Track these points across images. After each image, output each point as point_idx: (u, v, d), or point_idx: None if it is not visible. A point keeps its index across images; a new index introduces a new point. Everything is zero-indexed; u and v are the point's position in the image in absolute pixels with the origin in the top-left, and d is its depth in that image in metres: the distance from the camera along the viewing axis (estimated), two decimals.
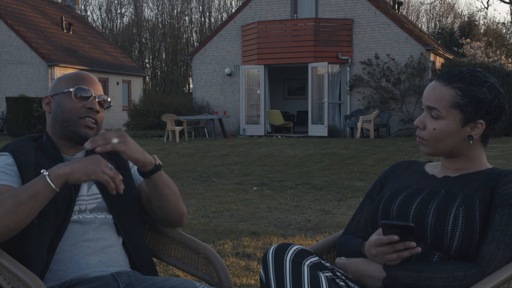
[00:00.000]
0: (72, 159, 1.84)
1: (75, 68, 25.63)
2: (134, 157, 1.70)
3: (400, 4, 23.84)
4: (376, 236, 1.60)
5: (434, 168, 1.81)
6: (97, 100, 1.85)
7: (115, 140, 1.65)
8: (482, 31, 34.27)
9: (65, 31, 28.41)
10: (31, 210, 1.57)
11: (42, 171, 1.60)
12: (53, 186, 1.57)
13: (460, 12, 48.48)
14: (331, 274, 1.58)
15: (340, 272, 1.63)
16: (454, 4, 56.44)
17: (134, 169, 1.97)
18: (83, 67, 26.21)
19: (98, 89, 1.88)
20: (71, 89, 1.83)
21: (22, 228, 1.60)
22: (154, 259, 1.96)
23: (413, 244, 1.54)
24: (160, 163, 1.81)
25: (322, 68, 18.77)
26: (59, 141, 1.85)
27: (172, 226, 1.97)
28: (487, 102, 1.65)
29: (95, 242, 1.76)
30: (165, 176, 1.84)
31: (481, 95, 1.65)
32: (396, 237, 1.53)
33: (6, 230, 1.56)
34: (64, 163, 1.63)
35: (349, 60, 19.05)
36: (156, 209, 1.87)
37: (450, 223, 1.58)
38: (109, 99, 1.91)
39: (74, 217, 1.76)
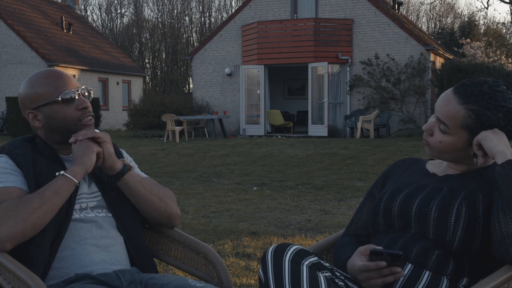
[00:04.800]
0: (69, 158, 1.84)
1: (75, 68, 25.65)
2: (108, 151, 1.78)
3: (400, 4, 23.84)
4: (361, 262, 1.61)
5: (436, 167, 1.82)
6: (82, 95, 1.83)
7: (97, 130, 1.78)
8: (482, 31, 34.26)
9: (65, 31, 28.41)
10: (54, 206, 1.65)
11: (57, 173, 1.70)
12: (74, 179, 1.69)
13: (460, 12, 48.50)
14: (330, 274, 1.59)
15: (339, 272, 1.63)
16: (454, 4, 56.47)
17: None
18: (83, 67, 26.22)
19: (75, 83, 1.83)
20: (56, 99, 1.77)
21: (43, 227, 1.65)
22: (155, 259, 1.96)
23: (399, 269, 1.54)
24: (129, 164, 1.86)
25: (322, 68, 18.77)
26: (54, 143, 1.85)
27: (165, 228, 1.97)
28: (498, 128, 1.63)
29: (98, 240, 1.77)
30: (139, 178, 1.87)
31: (494, 121, 1.62)
32: (383, 264, 1.53)
33: (32, 228, 1.61)
34: (73, 165, 1.73)
35: (349, 60, 19.05)
36: (141, 212, 1.90)
37: (453, 217, 1.59)
38: (90, 89, 1.88)
39: (75, 215, 1.76)
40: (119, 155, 1.92)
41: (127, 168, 1.83)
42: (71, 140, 1.75)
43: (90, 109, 1.84)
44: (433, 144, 1.72)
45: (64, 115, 1.78)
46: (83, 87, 1.84)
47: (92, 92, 1.90)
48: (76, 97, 1.80)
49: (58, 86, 1.79)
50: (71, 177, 1.68)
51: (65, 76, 1.82)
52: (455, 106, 1.65)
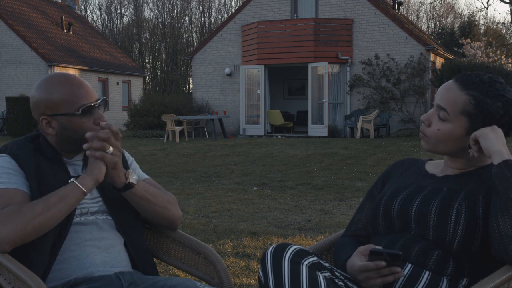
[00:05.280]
0: (72, 161, 1.83)
1: (75, 68, 25.65)
2: (111, 174, 1.73)
3: (400, 4, 23.84)
4: (360, 262, 1.61)
5: (435, 168, 1.82)
6: (99, 108, 1.79)
7: (110, 150, 1.69)
8: (482, 31, 34.27)
9: (65, 31, 28.41)
10: (59, 213, 1.62)
11: (69, 180, 1.67)
12: (83, 188, 1.65)
13: (460, 12, 48.51)
14: (329, 274, 1.59)
15: (339, 272, 1.63)
16: (454, 4, 56.48)
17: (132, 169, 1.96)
18: (83, 67, 26.22)
19: (94, 94, 1.79)
20: (76, 112, 1.72)
21: (46, 232, 1.63)
22: (155, 259, 1.96)
23: (399, 269, 1.54)
24: (132, 182, 1.77)
25: (322, 68, 18.78)
26: (63, 150, 1.82)
27: (167, 229, 1.98)
28: (497, 117, 1.64)
29: (98, 242, 1.76)
30: (142, 192, 1.81)
31: (493, 109, 1.64)
32: (383, 264, 1.54)
33: (33, 232, 1.60)
34: (85, 175, 1.69)
35: (349, 60, 19.05)
36: (143, 217, 1.90)
37: (453, 217, 1.59)
38: (106, 100, 1.85)
39: (76, 219, 1.76)
40: (125, 164, 1.90)
41: (128, 186, 1.77)
42: (86, 147, 1.69)
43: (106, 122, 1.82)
44: (430, 134, 1.71)
45: (81, 128, 1.74)
46: (100, 99, 1.80)
47: (107, 103, 1.87)
48: (94, 110, 1.76)
49: (78, 97, 1.73)
50: (79, 186, 1.65)
51: (85, 86, 1.77)
52: (456, 92, 1.67)
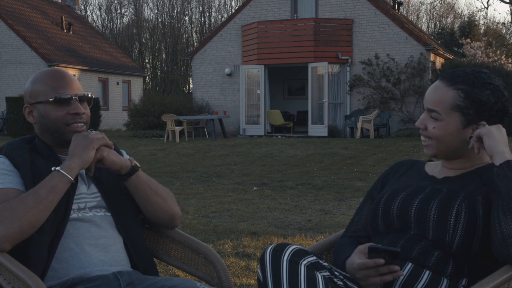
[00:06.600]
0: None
1: (75, 68, 25.65)
2: (111, 160, 1.78)
3: (400, 4, 23.83)
4: (359, 260, 1.60)
5: (434, 168, 1.82)
6: (78, 100, 1.81)
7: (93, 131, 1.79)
8: (482, 31, 34.27)
9: (65, 31, 28.41)
10: (50, 204, 1.64)
11: (52, 168, 1.69)
12: (69, 176, 1.67)
13: (460, 12, 48.52)
14: (329, 273, 1.58)
15: (338, 272, 1.63)
16: (454, 4, 56.47)
17: None
18: (83, 67, 26.22)
19: (76, 87, 1.82)
20: (50, 99, 1.77)
21: (40, 225, 1.64)
22: (154, 259, 1.96)
23: (397, 268, 1.54)
24: (137, 164, 1.84)
25: (322, 68, 18.77)
26: (49, 142, 1.84)
27: (166, 228, 1.97)
28: (489, 104, 1.65)
29: (96, 240, 1.76)
30: (146, 178, 1.86)
31: (484, 98, 1.64)
32: (382, 261, 1.53)
33: (29, 227, 1.61)
34: (68, 159, 1.71)
35: (349, 60, 19.04)
36: (144, 212, 1.89)
37: (452, 217, 1.59)
38: (90, 94, 1.86)
39: (73, 215, 1.75)
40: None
41: (135, 169, 1.82)
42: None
43: (85, 116, 1.82)
44: (430, 134, 1.70)
45: (55, 117, 1.78)
46: (82, 93, 1.82)
47: (92, 98, 1.88)
48: (71, 101, 1.79)
49: (56, 87, 1.79)
50: (66, 174, 1.67)
51: (67, 78, 1.81)
52: (442, 90, 1.68)
